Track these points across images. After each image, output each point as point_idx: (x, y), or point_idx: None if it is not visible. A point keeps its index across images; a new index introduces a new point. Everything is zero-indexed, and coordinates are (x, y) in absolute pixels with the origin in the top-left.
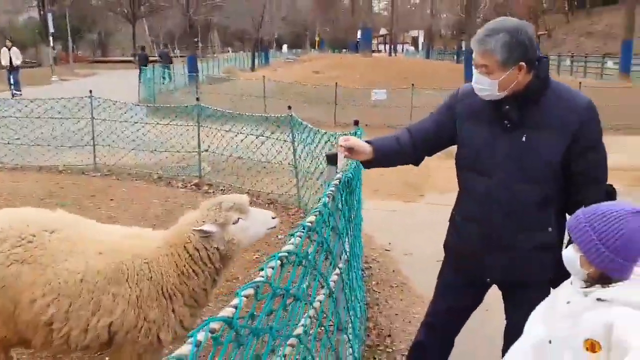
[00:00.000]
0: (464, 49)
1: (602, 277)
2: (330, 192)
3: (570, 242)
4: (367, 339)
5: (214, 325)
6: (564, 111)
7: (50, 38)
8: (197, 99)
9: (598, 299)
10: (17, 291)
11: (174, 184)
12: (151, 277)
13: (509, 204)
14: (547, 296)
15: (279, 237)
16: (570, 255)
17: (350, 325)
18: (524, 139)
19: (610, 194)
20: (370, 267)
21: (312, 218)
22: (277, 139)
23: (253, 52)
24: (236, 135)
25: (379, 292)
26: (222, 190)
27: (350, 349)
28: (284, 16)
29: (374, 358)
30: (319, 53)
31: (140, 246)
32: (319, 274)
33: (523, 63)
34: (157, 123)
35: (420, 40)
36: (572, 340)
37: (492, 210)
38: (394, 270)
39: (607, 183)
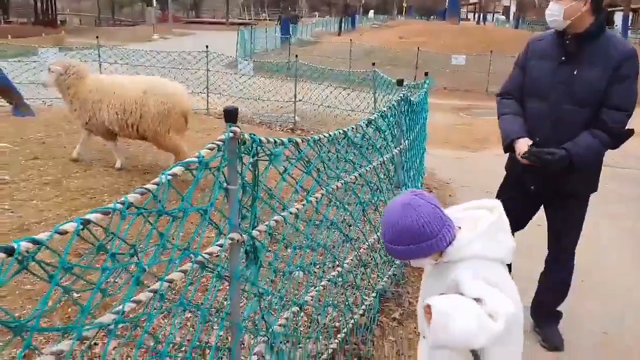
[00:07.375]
0: None
1: None
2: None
3: None
4: None
5: None
6: (611, 51)
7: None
8: (296, 56)
9: None
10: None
11: (272, 128)
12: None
13: (557, 121)
14: (584, 205)
15: None
16: None
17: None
18: (575, 72)
19: (629, 131)
20: (431, 191)
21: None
22: (361, 90)
23: (341, 18)
24: (327, 87)
25: None
26: (312, 133)
27: None
28: None
29: None
30: (406, 19)
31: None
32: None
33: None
34: (262, 76)
35: (512, 9)
36: None
37: (544, 126)
38: (450, 195)
39: (628, 128)
